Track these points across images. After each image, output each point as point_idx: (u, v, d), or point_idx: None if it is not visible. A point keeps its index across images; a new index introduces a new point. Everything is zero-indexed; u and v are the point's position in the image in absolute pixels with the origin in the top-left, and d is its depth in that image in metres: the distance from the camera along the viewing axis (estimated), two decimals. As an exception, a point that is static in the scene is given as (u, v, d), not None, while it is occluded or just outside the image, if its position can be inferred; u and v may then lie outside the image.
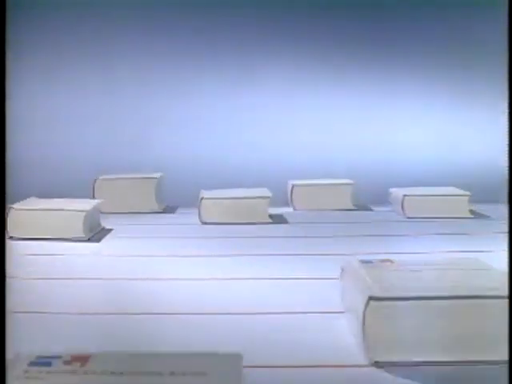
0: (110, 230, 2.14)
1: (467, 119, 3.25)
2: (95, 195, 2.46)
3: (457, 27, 3.28)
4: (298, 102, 3.28)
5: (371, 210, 2.52)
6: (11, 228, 1.97)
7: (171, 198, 2.61)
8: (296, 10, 3.25)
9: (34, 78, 3.21)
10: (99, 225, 2.14)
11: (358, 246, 1.84)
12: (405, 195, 2.36)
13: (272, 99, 3.26)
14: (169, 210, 2.55)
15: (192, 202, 2.37)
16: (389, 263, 1.19)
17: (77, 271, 1.61)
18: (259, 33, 3.27)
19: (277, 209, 2.46)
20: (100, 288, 1.45)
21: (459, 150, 3.12)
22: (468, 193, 2.37)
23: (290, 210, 2.52)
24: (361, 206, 2.53)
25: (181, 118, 3.22)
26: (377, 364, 0.98)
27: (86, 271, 1.61)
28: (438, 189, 2.45)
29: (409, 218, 2.31)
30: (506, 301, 0.98)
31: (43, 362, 0.74)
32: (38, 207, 2.03)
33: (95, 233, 2.05)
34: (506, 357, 0.93)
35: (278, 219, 2.33)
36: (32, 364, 0.73)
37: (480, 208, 2.39)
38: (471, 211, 2.35)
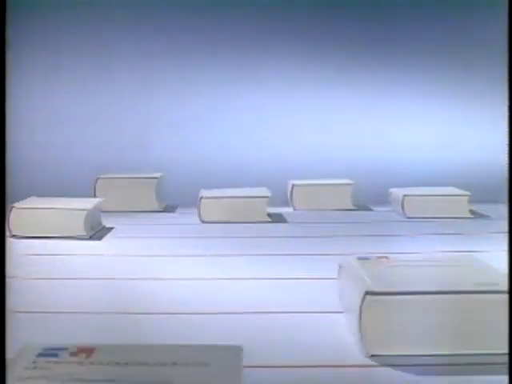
0: (111, 228, 2.15)
1: (467, 119, 3.25)
2: (96, 194, 2.48)
3: (457, 27, 3.28)
4: (298, 102, 3.28)
5: (371, 209, 2.52)
6: (13, 227, 1.99)
7: (171, 198, 2.62)
8: (296, 10, 3.25)
9: (34, 77, 3.21)
10: (100, 223, 2.16)
11: (358, 245, 1.85)
12: (405, 195, 2.36)
13: (272, 99, 3.26)
14: (169, 209, 2.56)
15: (192, 201, 2.38)
16: (385, 260, 1.21)
17: (78, 271, 1.61)
18: (259, 33, 3.28)
19: (277, 209, 2.46)
20: (101, 288, 1.45)
21: (459, 150, 3.12)
22: (468, 193, 2.37)
23: (290, 209, 2.52)
24: (361, 206, 2.53)
25: (181, 118, 3.22)
26: (373, 357, 1.00)
27: (86, 271, 1.61)
28: (437, 189, 2.46)
29: (409, 218, 2.31)
30: (500, 295, 1.00)
31: (50, 353, 0.77)
32: (39, 206, 2.05)
33: (96, 231, 2.07)
34: (500, 350, 0.96)
35: (277, 219, 2.33)
36: (40, 355, 0.76)
37: (480, 208, 2.39)
38: (471, 211, 2.35)
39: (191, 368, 0.73)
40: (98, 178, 2.54)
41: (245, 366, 0.77)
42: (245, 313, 1.22)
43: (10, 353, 0.80)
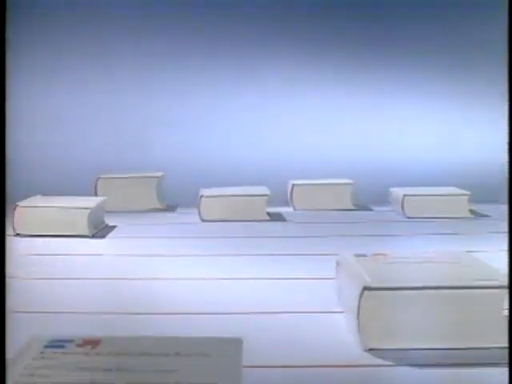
0: (114, 226, 2.17)
1: (467, 119, 3.25)
2: (97, 194, 2.49)
3: (457, 27, 3.28)
4: (297, 102, 3.28)
5: (371, 209, 2.52)
6: (17, 225, 2.01)
7: (172, 197, 2.62)
8: (296, 10, 3.25)
9: (34, 78, 3.21)
10: (103, 222, 2.19)
11: (358, 245, 1.84)
12: (405, 195, 2.36)
13: (272, 99, 3.27)
14: (169, 208, 2.56)
15: (192, 201, 2.39)
16: (382, 256, 1.24)
17: (79, 270, 1.62)
18: (259, 33, 3.28)
19: (277, 209, 2.46)
20: (104, 287, 1.45)
21: (459, 150, 3.12)
22: (468, 193, 2.37)
23: (290, 209, 2.52)
24: (361, 206, 2.53)
25: (181, 118, 3.22)
26: (371, 351, 1.02)
27: (88, 270, 1.61)
28: (438, 189, 2.46)
29: (409, 217, 2.31)
30: (494, 291, 1.04)
31: (57, 344, 0.80)
32: (43, 204, 2.07)
33: (99, 229, 2.09)
34: (495, 344, 1.01)
35: (277, 218, 2.34)
36: (47, 347, 0.79)
37: (480, 208, 2.39)
38: (471, 211, 2.35)
39: (193, 358, 0.76)
40: (99, 177, 2.55)
41: (245, 366, 0.77)
42: (245, 313, 1.22)
43: (10, 353, 0.80)
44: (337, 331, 1.13)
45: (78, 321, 1.21)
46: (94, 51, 3.25)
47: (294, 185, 2.57)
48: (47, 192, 2.25)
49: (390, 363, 0.99)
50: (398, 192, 2.43)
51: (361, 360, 1.01)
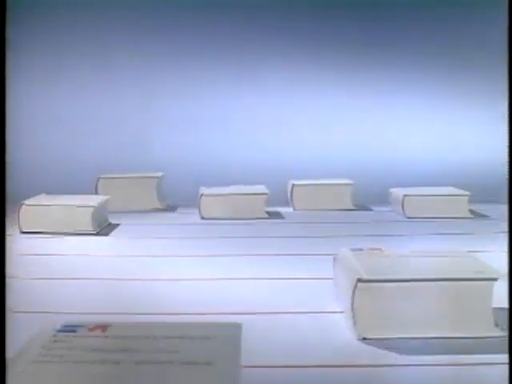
0: (117, 224, 2.21)
1: (467, 119, 3.25)
2: (98, 194, 2.50)
3: (457, 27, 3.29)
4: (298, 101, 3.28)
5: (371, 209, 2.52)
6: (23, 223, 2.05)
7: (172, 197, 2.62)
8: (296, 10, 3.26)
9: (34, 78, 3.21)
10: (106, 220, 2.22)
11: (357, 245, 1.84)
12: (405, 195, 2.36)
13: (272, 99, 3.27)
14: (170, 208, 2.56)
15: (192, 201, 2.40)
16: (377, 251, 1.29)
17: (82, 268, 1.62)
18: (259, 32, 3.28)
19: (277, 208, 2.47)
20: (105, 287, 1.46)
21: (459, 150, 3.12)
22: (468, 193, 2.37)
23: (290, 209, 2.52)
24: (361, 206, 2.53)
25: (181, 118, 3.23)
26: (364, 340, 1.07)
27: (92, 268, 1.61)
28: (437, 189, 2.45)
29: (409, 218, 2.31)
30: (484, 282, 1.10)
31: (69, 329, 0.86)
32: (48, 203, 2.11)
33: (103, 227, 2.14)
34: (482, 333, 1.07)
35: (277, 219, 2.34)
36: (60, 331, 0.85)
37: (480, 208, 2.39)
38: (471, 211, 2.35)
39: (195, 341, 0.82)
40: (100, 177, 2.56)
41: (245, 366, 0.78)
42: (245, 313, 1.22)
43: (10, 353, 0.81)
44: (337, 331, 1.13)
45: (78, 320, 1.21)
46: (94, 51, 3.25)
47: (293, 185, 2.57)
48: (48, 192, 2.25)
49: (384, 353, 1.02)
50: (398, 192, 2.43)
51: (361, 360, 1.01)
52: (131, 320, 1.20)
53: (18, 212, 2.05)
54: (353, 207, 2.52)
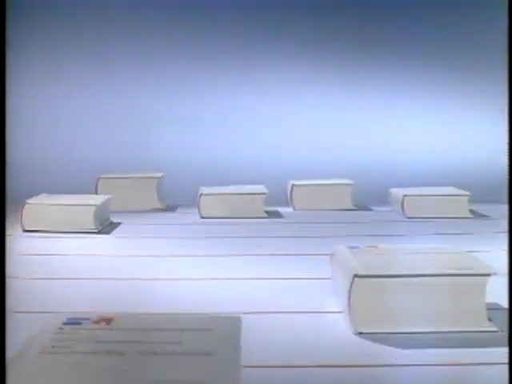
0: (119, 223, 2.23)
1: (467, 119, 3.25)
2: (98, 194, 2.50)
3: (457, 27, 3.28)
4: (298, 101, 3.28)
5: (371, 209, 2.52)
6: (25, 222, 2.08)
7: (172, 197, 2.62)
8: (296, 10, 3.26)
9: (34, 78, 3.21)
10: (108, 218, 2.24)
11: (357, 245, 1.84)
12: (405, 195, 2.36)
13: (272, 99, 3.27)
14: (170, 208, 2.56)
15: (192, 201, 2.40)
16: (374, 248, 1.32)
17: (85, 267, 1.62)
18: (259, 33, 3.28)
19: (276, 208, 2.47)
20: (107, 286, 1.46)
21: (459, 150, 3.12)
22: (468, 193, 2.37)
23: (290, 209, 2.52)
24: (361, 206, 2.53)
25: (181, 118, 3.23)
26: (360, 335, 1.10)
27: (94, 267, 1.61)
28: (437, 189, 2.45)
29: (408, 218, 2.31)
30: (475, 278, 1.13)
31: (75, 321, 0.89)
32: (51, 202, 2.14)
33: (104, 226, 2.16)
34: (477, 328, 1.10)
35: (277, 220, 2.34)
36: (65, 323, 0.88)
37: (480, 208, 2.39)
38: (471, 211, 2.35)
39: (196, 332, 0.85)
40: (100, 177, 2.56)
41: (245, 366, 0.78)
42: (244, 313, 1.22)
43: (10, 353, 0.81)
44: (336, 331, 1.13)
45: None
46: (94, 51, 3.25)
47: (293, 185, 2.57)
48: (48, 192, 2.26)
49: (383, 351, 1.03)
50: (397, 192, 2.43)
51: (361, 360, 1.01)
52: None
53: (21, 211, 2.08)
54: (353, 207, 2.52)
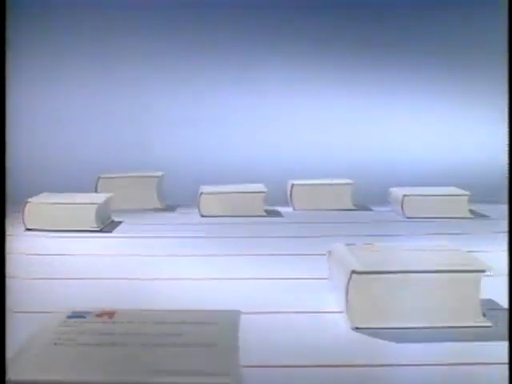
0: (120, 222, 2.24)
1: (467, 119, 3.25)
2: (98, 193, 2.50)
3: (457, 27, 3.28)
4: (298, 101, 3.28)
5: (371, 209, 2.52)
6: (27, 221, 2.10)
7: (172, 197, 2.62)
8: (296, 10, 3.26)
9: (34, 78, 3.21)
10: (109, 217, 2.26)
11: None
12: (404, 195, 2.36)
13: (272, 99, 3.27)
14: (169, 208, 2.57)
15: (192, 200, 2.40)
16: (370, 246, 1.35)
17: (85, 266, 1.62)
18: (259, 32, 3.28)
19: (276, 208, 2.47)
20: (107, 286, 1.46)
21: (459, 150, 3.12)
22: (468, 193, 2.37)
23: (290, 209, 2.53)
24: (361, 206, 2.53)
25: (181, 118, 3.23)
26: (357, 330, 1.12)
27: (95, 266, 1.61)
28: (437, 189, 2.45)
29: (408, 217, 2.31)
30: (470, 274, 1.15)
31: (78, 315, 0.92)
32: (53, 201, 2.16)
33: (106, 224, 2.18)
34: (471, 323, 1.12)
35: (277, 220, 2.34)
36: (70, 317, 0.92)
37: (480, 208, 2.39)
38: (471, 211, 2.35)
39: (197, 325, 0.88)
40: (100, 177, 2.56)
41: (244, 366, 0.78)
42: (244, 313, 1.22)
43: (10, 353, 0.81)
44: (336, 331, 1.13)
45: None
46: (94, 51, 3.25)
47: (293, 185, 2.57)
48: (49, 191, 2.26)
49: (381, 349, 1.04)
50: (397, 192, 2.43)
51: (360, 360, 1.01)
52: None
53: (23, 210, 2.10)
54: (353, 207, 2.52)
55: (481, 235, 2.01)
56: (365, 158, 3.07)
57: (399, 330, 1.11)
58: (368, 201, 2.58)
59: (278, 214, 2.42)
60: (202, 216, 2.36)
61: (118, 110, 3.24)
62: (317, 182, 2.59)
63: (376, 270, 1.16)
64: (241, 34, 3.27)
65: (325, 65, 3.30)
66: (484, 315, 1.14)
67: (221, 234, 2.05)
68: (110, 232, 2.10)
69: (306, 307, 1.26)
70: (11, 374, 0.75)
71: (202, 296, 1.37)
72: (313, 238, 1.98)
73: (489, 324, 1.12)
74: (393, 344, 1.06)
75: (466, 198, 2.36)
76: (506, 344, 0.97)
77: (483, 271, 1.14)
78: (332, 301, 1.26)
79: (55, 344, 0.83)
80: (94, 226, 2.08)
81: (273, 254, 1.75)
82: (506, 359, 0.91)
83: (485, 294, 1.17)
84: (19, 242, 1.93)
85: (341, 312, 1.20)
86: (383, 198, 2.51)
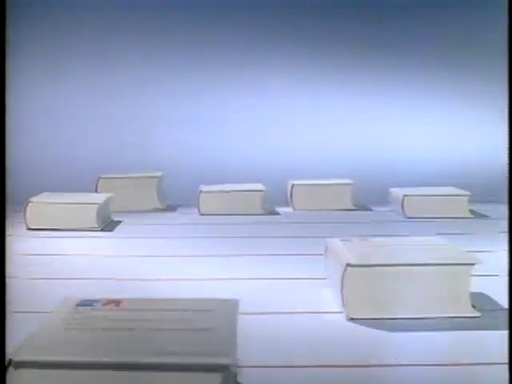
0: (120, 221, 2.25)
1: (467, 119, 3.25)
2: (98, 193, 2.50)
3: (457, 27, 3.29)
4: (298, 101, 3.28)
5: (371, 209, 2.52)
6: (29, 220, 2.12)
7: (172, 197, 2.62)
8: (296, 10, 3.26)
9: (34, 78, 3.21)
10: (109, 217, 2.28)
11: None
12: (405, 195, 2.36)
13: (272, 99, 3.27)
14: (170, 208, 2.57)
15: (192, 200, 2.40)
16: (365, 241, 1.40)
17: (86, 265, 1.62)
18: (259, 33, 3.28)
19: (276, 208, 2.47)
20: (107, 286, 1.46)
21: (459, 150, 3.12)
22: (468, 193, 2.37)
23: (290, 209, 2.53)
24: (361, 206, 2.53)
25: (181, 118, 3.23)
26: (352, 320, 1.17)
27: (96, 268, 1.62)
28: (438, 189, 2.46)
29: (408, 217, 2.31)
30: (460, 267, 1.20)
31: (87, 303, 0.98)
32: (54, 200, 2.18)
33: (106, 224, 2.19)
34: (461, 313, 1.17)
35: (277, 220, 2.34)
36: (79, 305, 0.98)
37: (480, 208, 2.39)
38: (471, 211, 2.35)
39: (198, 312, 0.94)
40: (100, 177, 2.56)
41: (245, 366, 0.78)
42: (243, 313, 1.22)
43: (9, 352, 0.81)
44: (336, 331, 1.13)
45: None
46: (94, 51, 3.25)
47: (293, 185, 2.57)
48: (49, 191, 2.27)
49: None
50: (397, 192, 2.43)
51: (360, 360, 1.01)
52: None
53: (24, 209, 2.11)
54: (353, 207, 2.52)
55: (481, 235, 2.01)
56: (365, 158, 3.07)
57: (392, 321, 1.16)
58: (368, 201, 2.58)
59: (278, 214, 2.42)
60: (202, 214, 2.38)
61: (118, 110, 3.24)
62: (317, 182, 2.59)
63: (370, 264, 1.21)
64: (241, 34, 3.27)
65: (325, 65, 3.30)
66: (474, 306, 1.18)
67: (221, 234, 2.05)
68: (111, 232, 2.11)
69: (306, 307, 1.26)
70: (24, 355, 0.79)
71: (202, 296, 1.37)
72: (313, 238, 1.97)
73: (477, 314, 1.17)
74: (390, 336, 1.10)
75: (466, 198, 2.36)
76: (499, 340, 0.99)
77: (473, 264, 1.19)
78: (332, 301, 1.26)
79: (65, 329, 0.89)
80: (94, 225, 2.10)
81: (273, 254, 1.75)
82: (506, 359, 0.91)
83: (487, 293, 1.21)
84: (19, 242, 1.93)
85: (341, 312, 1.20)
86: (383, 198, 2.51)
